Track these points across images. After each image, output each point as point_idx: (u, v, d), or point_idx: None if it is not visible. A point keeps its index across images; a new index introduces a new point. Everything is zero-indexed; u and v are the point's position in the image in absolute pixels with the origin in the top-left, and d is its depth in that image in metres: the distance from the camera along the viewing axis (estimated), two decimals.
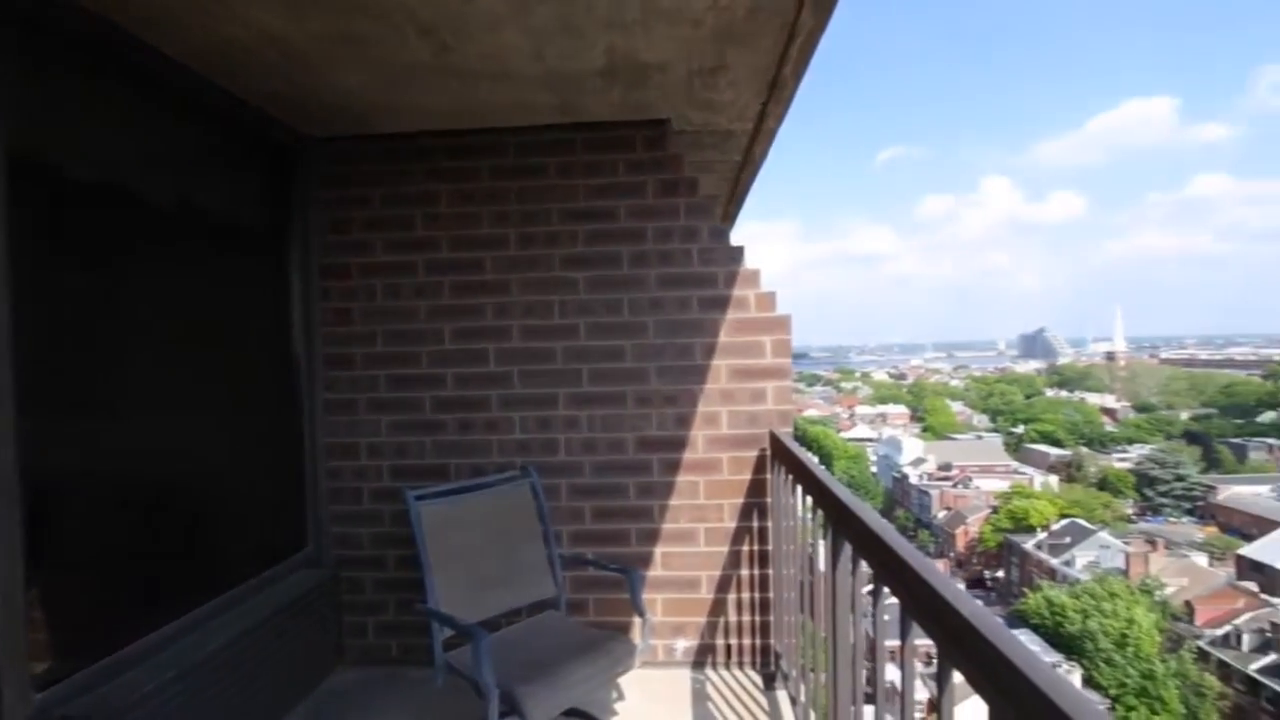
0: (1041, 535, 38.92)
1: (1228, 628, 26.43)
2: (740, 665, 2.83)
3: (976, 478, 52.71)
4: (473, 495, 2.52)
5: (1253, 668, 24.57)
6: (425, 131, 2.77)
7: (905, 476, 56.93)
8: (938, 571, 1.07)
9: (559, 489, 2.80)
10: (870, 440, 68.82)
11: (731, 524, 2.78)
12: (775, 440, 2.59)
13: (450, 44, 2.02)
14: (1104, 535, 36.53)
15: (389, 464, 2.84)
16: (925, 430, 73.34)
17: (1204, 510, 47.38)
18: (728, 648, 2.82)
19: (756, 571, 2.79)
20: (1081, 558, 34.71)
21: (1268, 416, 66.29)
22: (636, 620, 2.77)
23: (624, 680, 2.44)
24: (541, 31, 1.97)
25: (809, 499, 2.00)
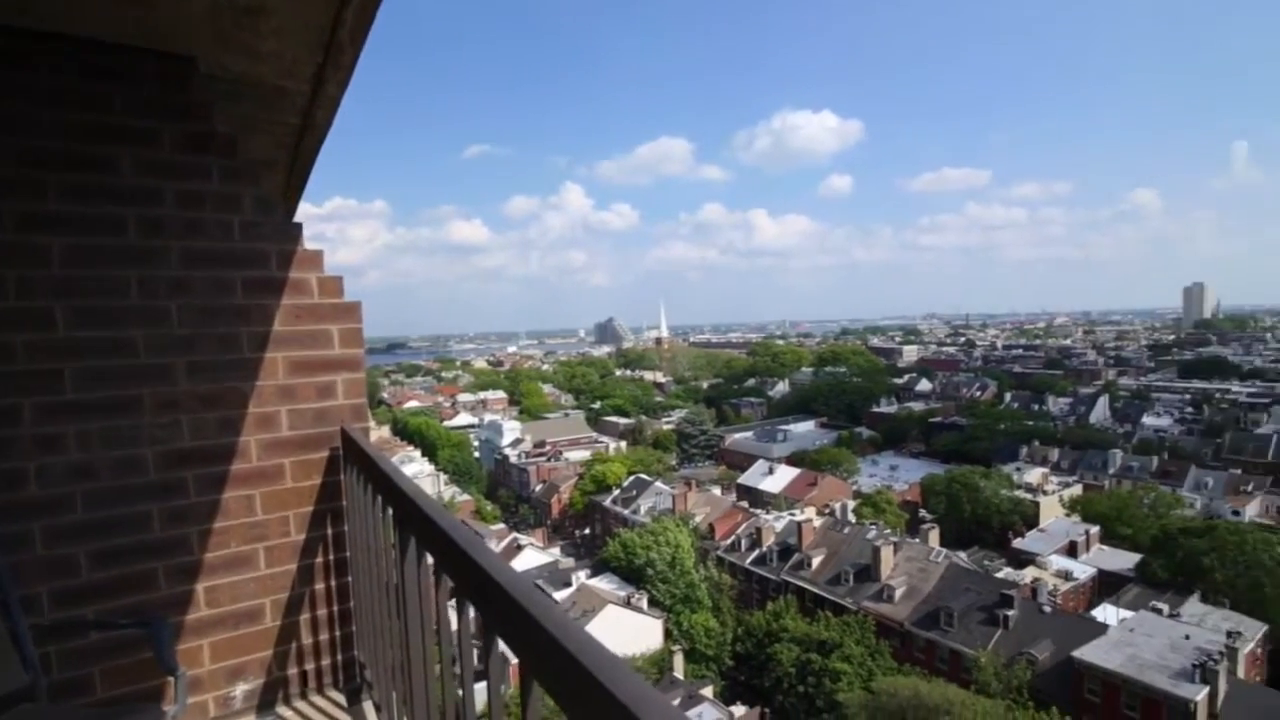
0: (616, 492, 46.55)
1: (733, 538, 36.26)
2: (321, 689, 2.54)
3: (566, 450, 59.67)
4: None
5: (747, 562, 34.39)
6: None
7: (506, 457, 60.64)
8: (485, 549, 1.11)
9: (30, 535, 2.02)
10: (473, 426, 70.99)
11: (300, 536, 2.45)
12: (347, 437, 2.37)
13: None
14: (658, 484, 45.86)
15: None
16: (522, 412, 79.55)
17: (718, 454, 64.20)
18: (303, 675, 2.50)
19: (334, 582, 2.53)
20: (645, 504, 42.78)
21: (750, 382, 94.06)
22: (171, 679, 2.22)
23: None
24: None
25: (380, 496, 1.89)
